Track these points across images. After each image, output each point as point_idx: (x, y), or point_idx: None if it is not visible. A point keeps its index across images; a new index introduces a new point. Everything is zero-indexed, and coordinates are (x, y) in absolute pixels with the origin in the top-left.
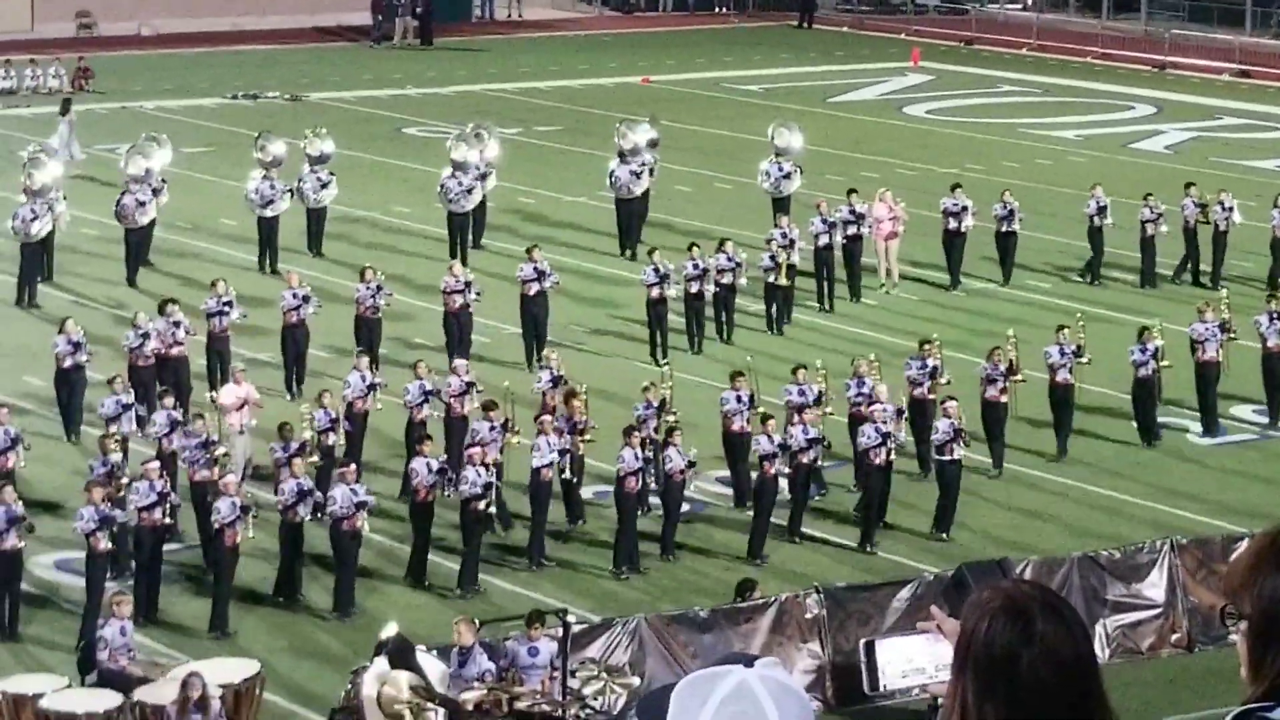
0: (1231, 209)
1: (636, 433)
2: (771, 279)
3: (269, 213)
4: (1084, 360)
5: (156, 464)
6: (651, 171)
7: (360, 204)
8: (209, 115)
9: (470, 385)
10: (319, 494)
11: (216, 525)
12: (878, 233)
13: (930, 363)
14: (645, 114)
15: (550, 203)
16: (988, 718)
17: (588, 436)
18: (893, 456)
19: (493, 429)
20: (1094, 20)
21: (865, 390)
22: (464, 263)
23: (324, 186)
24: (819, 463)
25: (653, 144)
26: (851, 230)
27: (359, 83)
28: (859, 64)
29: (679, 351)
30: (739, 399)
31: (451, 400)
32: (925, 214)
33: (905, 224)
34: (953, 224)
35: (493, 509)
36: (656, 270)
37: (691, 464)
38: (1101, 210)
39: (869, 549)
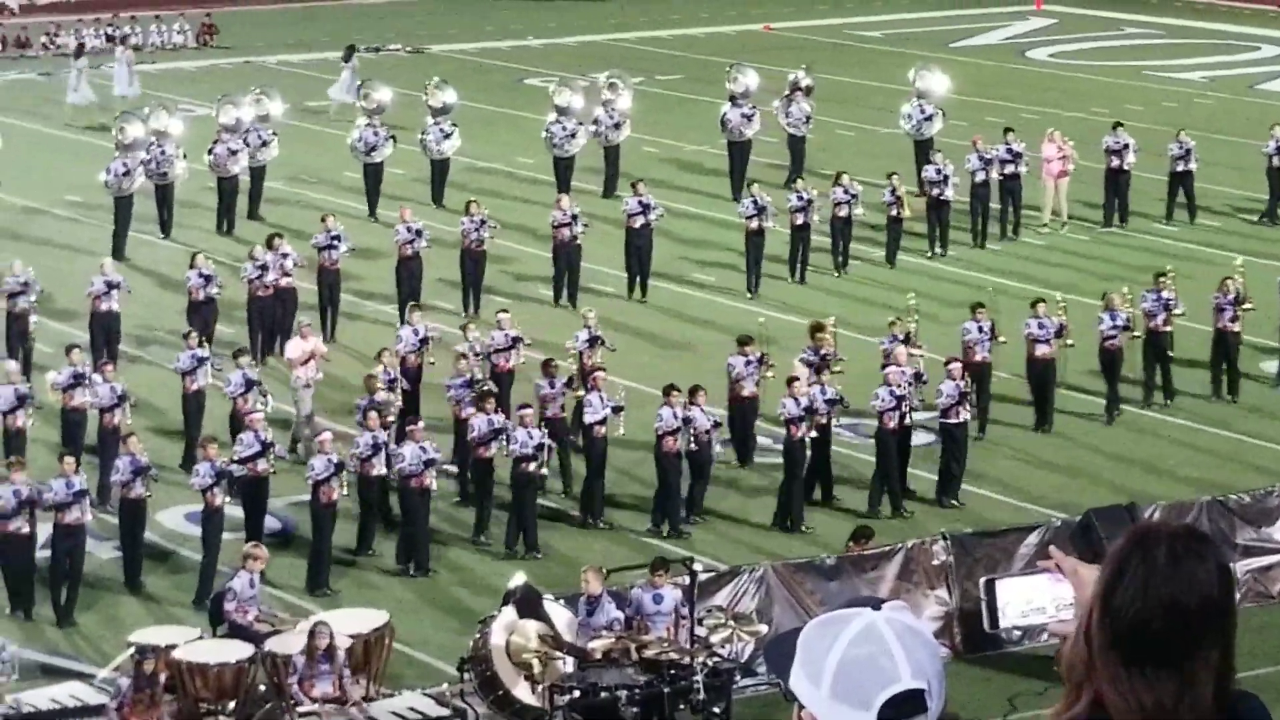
0: None
1: (676, 391)
2: (894, 213)
3: (374, 159)
4: None
5: (260, 414)
6: (808, 119)
7: (483, 155)
8: (331, 69)
9: (516, 340)
10: (393, 448)
11: (311, 482)
12: (1048, 172)
13: (1165, 295)
14: (804, 64)
15: (672, 150)
16: (1113, 658)
17: (837, 369)
18: (908, 421)
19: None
20: None
21: (1119, 322)
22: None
23: (446, 138)
24: (834, 423)
25: (808, 90)
26: (1009, 169)
27: (480, 34)
28: (981, 8)
29: (779, 281)
30: (980, 329)
31: (496, 355)
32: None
33: (1074, 163)
34: (1114, 162)
35: (544, 470)
36: (755, 202)
37: (717, 424)
38: None
39: (902, 512)
